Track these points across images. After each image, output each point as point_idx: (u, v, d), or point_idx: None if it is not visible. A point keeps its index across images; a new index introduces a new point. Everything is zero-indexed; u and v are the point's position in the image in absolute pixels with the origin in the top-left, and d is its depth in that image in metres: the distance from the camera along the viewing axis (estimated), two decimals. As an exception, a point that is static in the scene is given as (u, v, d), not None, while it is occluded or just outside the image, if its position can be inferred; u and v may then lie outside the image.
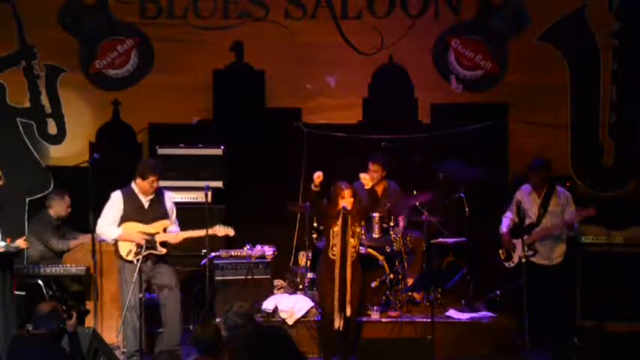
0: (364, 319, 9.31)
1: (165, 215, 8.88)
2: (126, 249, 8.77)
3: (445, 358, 8.82)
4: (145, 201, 8.86)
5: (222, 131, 11.02)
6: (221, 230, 8.94)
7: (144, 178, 8.77)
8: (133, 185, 8.87)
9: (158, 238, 8.77)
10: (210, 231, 8.89)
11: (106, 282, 9.72)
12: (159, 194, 8.92)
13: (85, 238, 9.85)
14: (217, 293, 9.55)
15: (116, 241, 8.80)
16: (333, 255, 8.58)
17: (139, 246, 8.70)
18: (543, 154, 10.14)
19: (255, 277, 9.87)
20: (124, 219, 8.81)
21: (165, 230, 8.81)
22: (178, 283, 8.95)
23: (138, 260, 8.63)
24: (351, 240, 8.56)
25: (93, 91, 11.36)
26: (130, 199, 8.83)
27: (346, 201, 8.54)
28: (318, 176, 8.45)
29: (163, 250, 8.79)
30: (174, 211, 9.01)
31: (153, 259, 8.84)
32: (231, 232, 8.93)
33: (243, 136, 11.06)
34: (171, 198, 9.05)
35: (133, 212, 8.81)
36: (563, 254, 9.45)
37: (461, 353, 9.14)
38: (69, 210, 10.07)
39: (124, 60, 11.35)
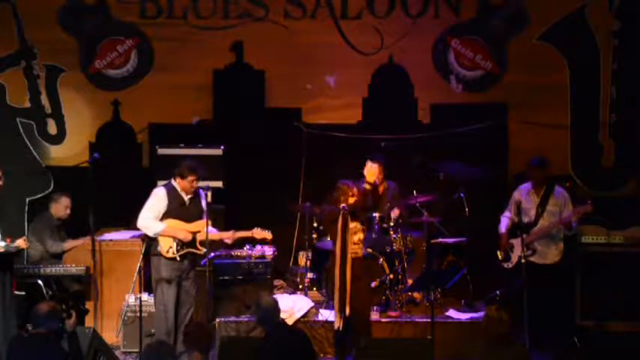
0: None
1: (202, 214, 8.86)
2: (166, 246, 8.72)
3: (445, 358, 8.80)
4: (187, 199, 8.86)
5: (223, 131, 11.02)
6: (259, 233, 8.99)
7: (183, 177, 8.77)
8: (174, 183, 8.86)
9: (200, 237, 8.74)
10: (249, 233, 9.00)
11: (106, 282, 9.74)
12: (197, 194, 8.91)
13: (79, 242, 9.86)
14: (217, 293, 9.57)
15: (156, 237, 8.75)
16: (354, 253, 8.68)
17: (179, 243, 8.72)
18: (543, 154, 10.12)
19: (255, 277, 9.88)
20: (166, 215, 8.77)
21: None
22: (195, 293, 8.98)
23: (177, 258, 8.68)
24: (354, 238, 8.63)
25: (93, 91, 11.36)
26: (173, 196, 8.81)
27: (355, 198, 8.66)
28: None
29: (202, 250, 8.77)
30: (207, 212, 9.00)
31: (190, 258, 8.83)
32: (269, 235, 9.00)
33: (243, 136, 11.06)
34: (206, 198, 9.01)
35: (175, 209, 8.79)
36: (561, 253, 9.44)
37: (461, 353, 9.12)
38: (68, 212, 10.06)
39: (124, 60, 11.35)
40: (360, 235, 8.77)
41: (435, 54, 11.29)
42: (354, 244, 8.69)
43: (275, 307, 7.34)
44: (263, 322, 7.35)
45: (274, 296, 8.04)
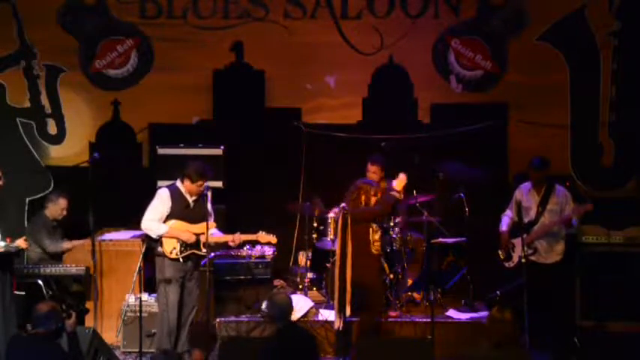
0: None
1: (206, 216, 8.81)
2: (170, 247, 8.70)
3: (445, 358, 8.80)
4: (191, 200, 8.82)
5: (223, 131, 11.02)
6: (264, 237, 8.96)
7: (192, 181, 8.73)
8: (179, 184, 8.83)
9: (204, 239, 8.70)
10: (254, 236, 8.97)
11: (105, 282, 9.75)
12: (202, 195, 8.85)
13: (79, 242, 9.85)
14: (217, 293, 9.56)
15: (160, 239, 8.73)
16: (377, 250, 8.75)
17: (183, 245, 8.70)
18: (543, 154, 10.12)
19: (255, 277, 9.88)
20: (170, 217, 8.75)
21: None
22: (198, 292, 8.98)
23: (180, 259, 8.67)
24: (375, 236, 8.71)
25: (93, 91, 11.37)
26: (177, 198, 8.77)
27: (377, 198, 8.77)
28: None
29: (204, 251, 8.76)
30: (213, 214, 8.97)
31: (194, 259, 8.81)
32: (273, 239, 8.98)
33: (243, 136, 11.06)
34: (211, 199, 8.97)
35: (179, 211, 8.76)
36: (562, 252, 9.43)
37: (461, 353, 9.11)
38: (64, 213, 10.01)
39: (124, 60, 11.35)
40: (379, 233, 8.80)
41: (435, 54, 11.29)
42: (376, 242, 8.72)
43: (289, 305, 7.33)
44: (276, 319, 7.30)
45: (289, 294, 8.03)
